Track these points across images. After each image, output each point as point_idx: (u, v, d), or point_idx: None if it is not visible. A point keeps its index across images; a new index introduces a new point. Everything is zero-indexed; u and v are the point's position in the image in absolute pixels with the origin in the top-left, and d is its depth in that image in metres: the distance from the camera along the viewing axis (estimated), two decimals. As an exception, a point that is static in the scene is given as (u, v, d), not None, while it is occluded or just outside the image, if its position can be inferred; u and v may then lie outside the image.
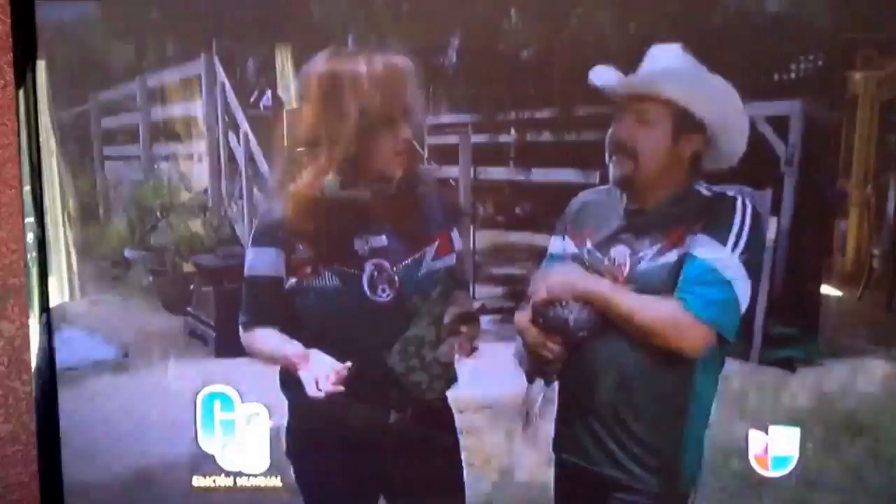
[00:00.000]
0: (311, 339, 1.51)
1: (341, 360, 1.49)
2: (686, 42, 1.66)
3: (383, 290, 1.48)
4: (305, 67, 1.47)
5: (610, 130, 1.56)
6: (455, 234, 1.60)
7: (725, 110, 1.53)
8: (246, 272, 1.53)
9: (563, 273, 1.58)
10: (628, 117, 1.55)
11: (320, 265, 1.46)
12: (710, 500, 3.01)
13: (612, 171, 1.56)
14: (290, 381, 1.57)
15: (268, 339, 1.54)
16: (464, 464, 3.47)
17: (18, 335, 2.24)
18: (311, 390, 1.48)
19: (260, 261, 1.49)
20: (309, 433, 1.57)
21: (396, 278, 1.50)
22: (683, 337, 1.49)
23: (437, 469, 1.66)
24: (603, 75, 1.55)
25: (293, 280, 1.48)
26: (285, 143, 1.47)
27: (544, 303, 1.58)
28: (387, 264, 1.50)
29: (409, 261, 1.53)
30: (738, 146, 1.61)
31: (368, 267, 1.48)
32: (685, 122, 1.52)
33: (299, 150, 1.51)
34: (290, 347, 1.51)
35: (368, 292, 1.48)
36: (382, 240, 1.53)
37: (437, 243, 1.57)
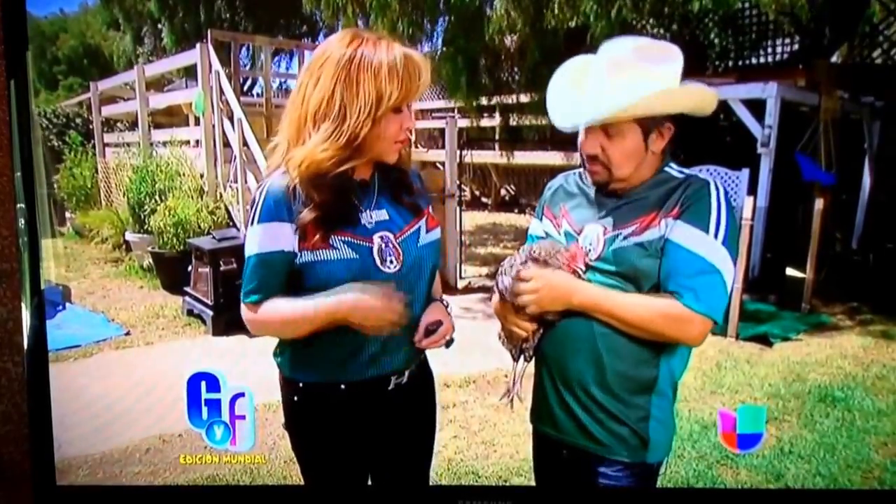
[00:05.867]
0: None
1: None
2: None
3: (391, 263, 1.53)
4: (328, 45, 1.49)
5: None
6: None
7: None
8: (257, 249, 1.52)
9: (553, 283, 1.58)
10: (595, 132, 1.58)
11: (334, 237, 1.49)
12: (686, 469, 3.08)
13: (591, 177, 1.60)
14: (302, 359, 1.60)
15: (285, 305, 1.51)
16: (450, 435, 3.54)
17: (11, 318, 2.31)
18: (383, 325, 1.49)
19: (272, 236, 1.50)
20: (313, 406, 1.61)
21: (400, 250, 1.54)
22: (684, 331, 1.50)
23: (419, 435, 1.73)
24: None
25: (306, 253, 1.50)
26: (293, 121, 1.47)
27: (527, 307, 1.60)
28: (391, 236, 1.54)
29: (409, 233, 1.57)
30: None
31: (377, 239, 1.52)
32: (652, 124, 1.53)
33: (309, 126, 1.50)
34: (329, 302, 1.47)
35: (378, 263, 1.52)
36: (383, 213, 1.58)
37: (426, 216, 1.62)
